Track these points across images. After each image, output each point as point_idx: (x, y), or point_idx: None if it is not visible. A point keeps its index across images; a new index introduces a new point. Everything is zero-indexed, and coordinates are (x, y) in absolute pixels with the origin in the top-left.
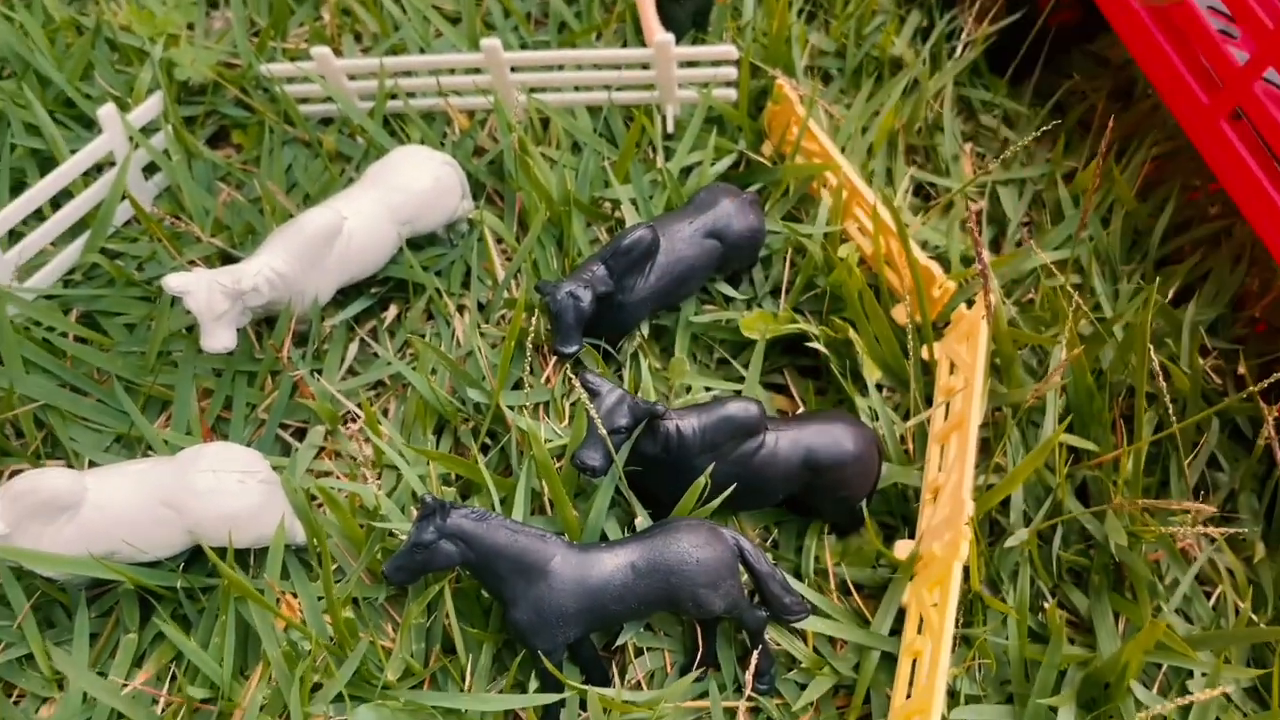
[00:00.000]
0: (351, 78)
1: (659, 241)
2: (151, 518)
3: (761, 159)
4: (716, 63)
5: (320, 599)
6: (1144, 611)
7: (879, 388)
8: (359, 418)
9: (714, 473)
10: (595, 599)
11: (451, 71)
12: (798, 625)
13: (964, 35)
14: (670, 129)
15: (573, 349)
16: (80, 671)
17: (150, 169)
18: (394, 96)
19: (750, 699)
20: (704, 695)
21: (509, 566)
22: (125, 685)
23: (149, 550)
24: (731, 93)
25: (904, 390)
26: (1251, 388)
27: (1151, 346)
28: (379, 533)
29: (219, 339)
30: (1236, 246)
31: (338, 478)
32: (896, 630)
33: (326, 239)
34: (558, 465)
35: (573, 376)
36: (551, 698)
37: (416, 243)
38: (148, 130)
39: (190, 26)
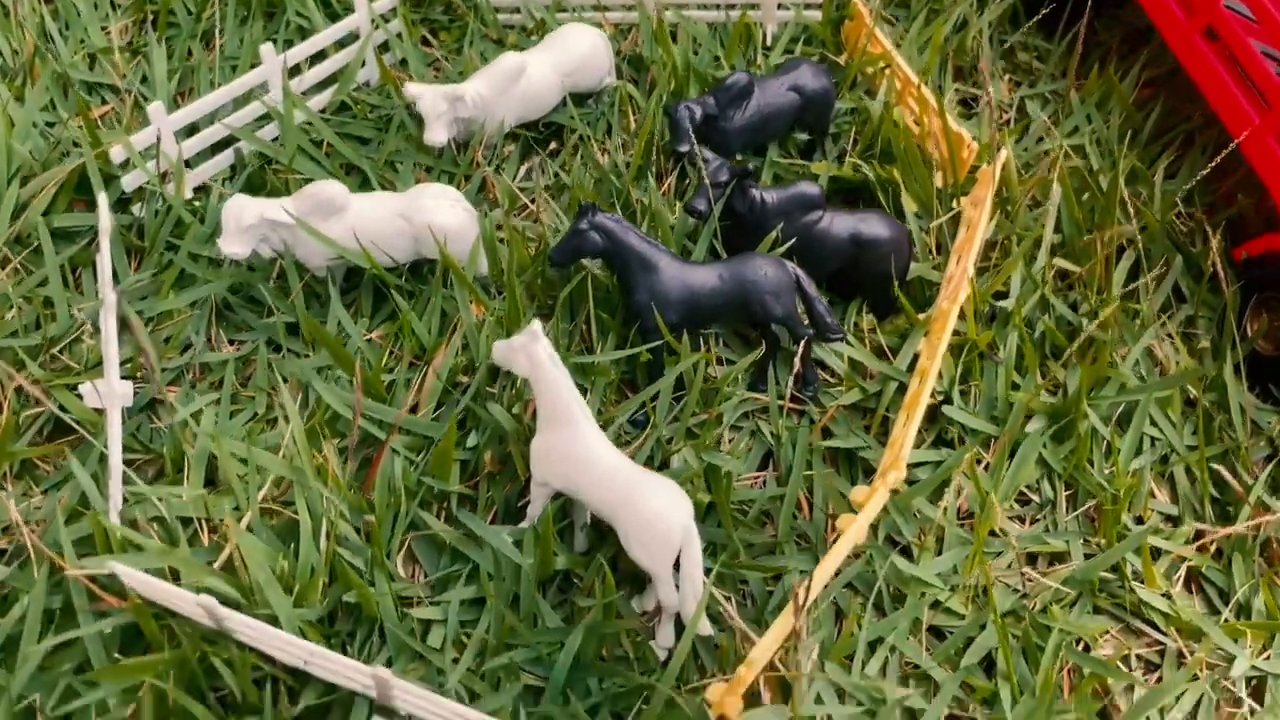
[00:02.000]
0: None
1: (753, 86)
2: (392, 227)
3: (838, 60)
4: None
5: (499, 293)
6: (1102, 365)
7: (916, 216)
8: (530, 205)
9: (782, 232)
10: (692, 294)
11: None
12: (834, 344)
13: None
14: (769, 42)
15: (685, 148)
16: (338, 318)
17: (384, 48)
18: (562, 9)
19: (795, 400)
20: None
21: (634, 258)
22: (367, 335)
23: (388, 251)
24: (817, 14)
25: (930, 221)
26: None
27: (1124, 189)
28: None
29: (437, 134)
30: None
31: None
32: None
33: (514, 75)
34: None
35: (687, 165)
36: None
37: (574, 99)
38: (386, 18)
39: None
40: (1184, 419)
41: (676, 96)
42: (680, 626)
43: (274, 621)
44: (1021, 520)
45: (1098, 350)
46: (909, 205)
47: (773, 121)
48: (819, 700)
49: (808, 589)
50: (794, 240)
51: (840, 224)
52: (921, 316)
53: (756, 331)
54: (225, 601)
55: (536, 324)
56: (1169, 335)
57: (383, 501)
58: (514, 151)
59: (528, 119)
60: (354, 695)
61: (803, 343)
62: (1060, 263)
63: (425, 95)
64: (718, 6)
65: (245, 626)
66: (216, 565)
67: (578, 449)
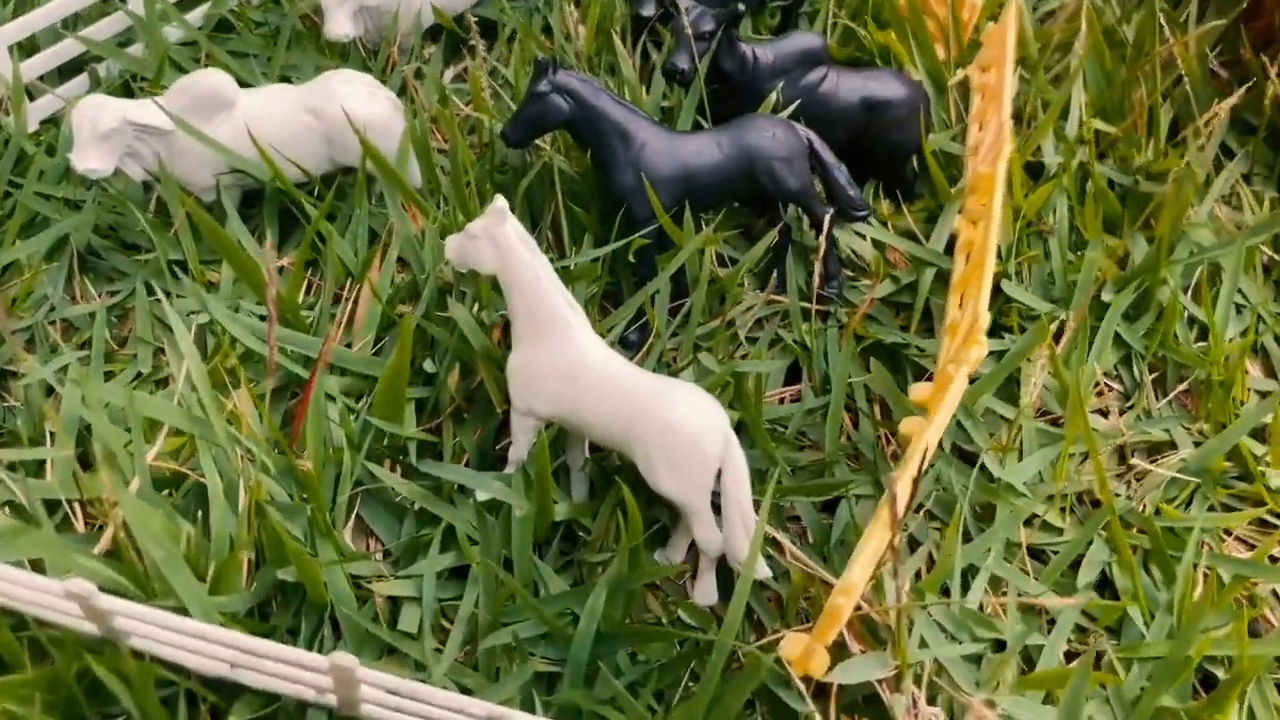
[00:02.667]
0: None
1: None
2: (297, 124)
3: None
4: None
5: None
6: (1177, 222)
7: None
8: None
9: (782, 96)
10: (686, 169)
11: None
12: (858, 225)
13: None
14: None
15: (649, 7)
16: (239, 245)
17: None
18: None
19: (820, 300)
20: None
21: (610, 127)
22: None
23: (294, 157)
24: None
25: (939, 87)
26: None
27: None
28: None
29: (340, 25)
30: None
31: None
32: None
33: None
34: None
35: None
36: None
37: None
38: None
39: None
40: (1265, 281)
41: None
42: (726, 576)
43: (183, 615)
44: (1103, 413)
45: (1165, 208)
46: (910, 69)
47: None
48: (922, 644)
49: (895, 498)
50: (795, 105)
51: (848, 84)
52: (954, 190)
53: (762, 219)
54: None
55: (501, 200)
56: (1228, 193)
57: (318, 456)
58: (436, 53)
59: (452, 9)
60: (304, 708)
61: (825, 224)
62: (1098, 125)
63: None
64: None
65: (141, 623)
66: (97, 550)
67: (571, 357)
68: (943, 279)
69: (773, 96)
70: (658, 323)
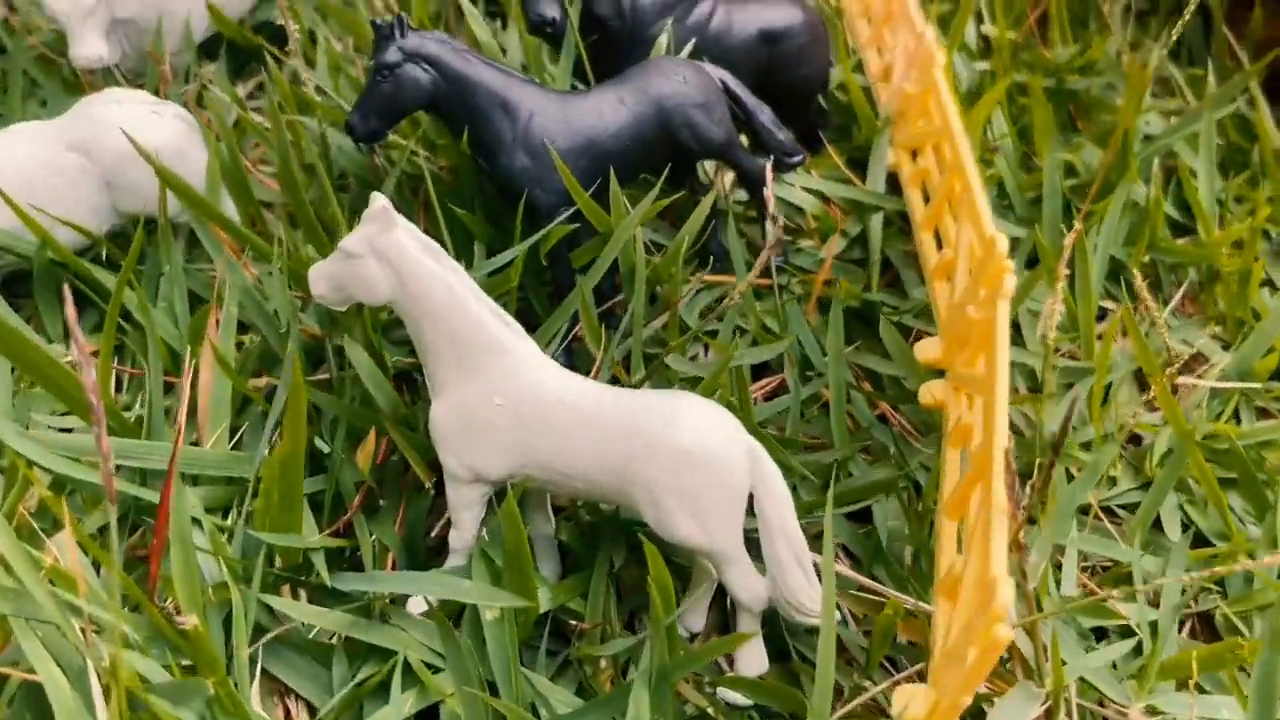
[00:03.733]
0: None
1: None
2: (60, 171)
3: None
4: None
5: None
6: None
7: None
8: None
9: (676, 41)
10: (589, 135)
11: None
12: (790, 168)
13: None
14: None
15: None
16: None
17: None
18: None
19: (765, 275)
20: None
21: (487, 98)
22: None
23: (65, 215)
24: None
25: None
26: None
27: None
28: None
29: (91, 45)
30: None
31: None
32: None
33: None
34: None
35: None
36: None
37: None
38: None
39: None
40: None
41: None
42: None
43: None
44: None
45: (1125, 101)
46: None
47: None
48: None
49: (1013, 476)
50: (689, 49)
51: (741, 16)
52: (880, 116)
53: (679, 190)
54: None
55: (381, 200)
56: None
57: (195, 602)
58: (218, 71)
59: (228, 14)
60: None
61: (766, 177)
62: (991, 31)
63: None
64: None
65: None
66: None
67: (521, 390)
68: (893, 223)
69: (661, 40)
70: (597, 334)
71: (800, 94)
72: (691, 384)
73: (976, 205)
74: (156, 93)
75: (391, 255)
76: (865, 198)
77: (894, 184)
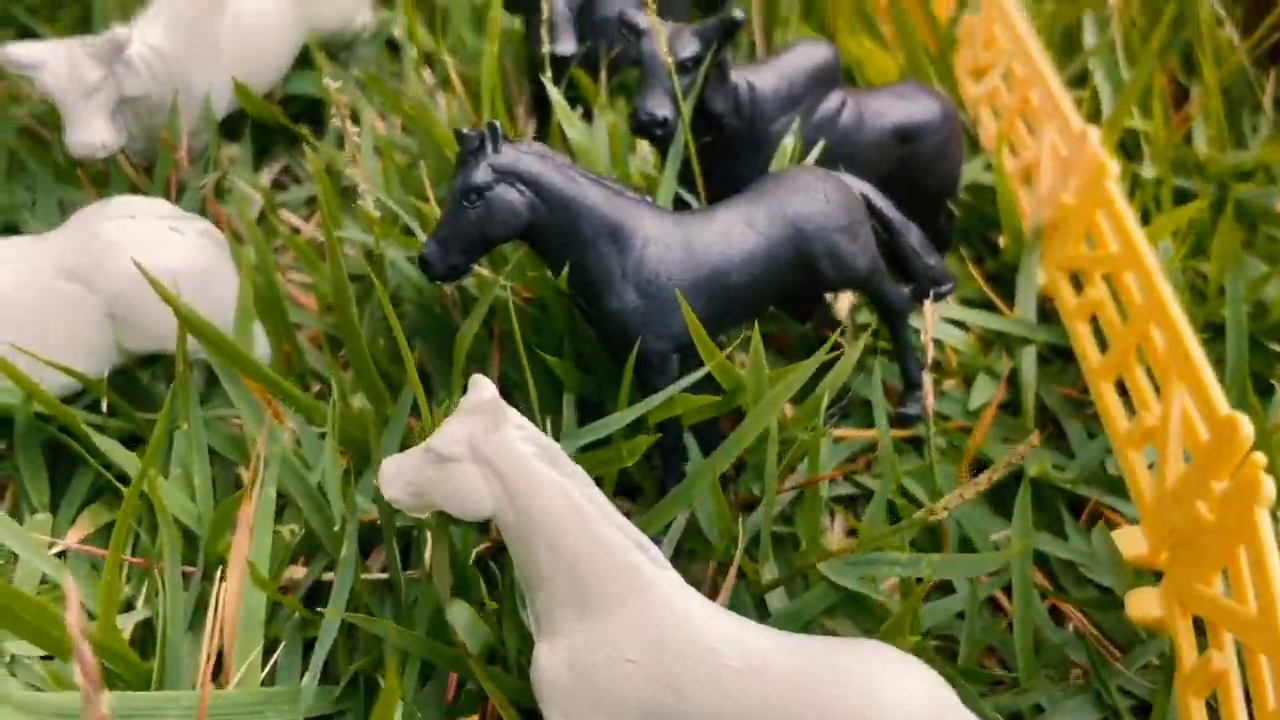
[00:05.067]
0: None
1: None
2: (49, 303)
3: None
4: None
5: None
6: None
7: None
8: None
9: (800, 137)
10: (713, 268)
11: None
12: (940, 297)
13: None
14: None
15: (570, 48)
16: None
17: None
18: None
19: (901, 421)
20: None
21: (595, 226)
22: (53, 544)
23: (57, 357)
24: None
25: None
26: None
27: None
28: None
29: (95, 130)
30: None
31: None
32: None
33: (211, 5)
34: None
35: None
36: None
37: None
38: None
39: None
40: None
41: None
42: None
43: None
44: None
45: None
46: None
47: None
48: None
49: None
50: (815, 148)
51: (873, 108)
52: (1028, 228)
53: (805, 322)
54: None
55: (484, 383)
56: None
57: None
58: (241, 154)
59: (254, 84)
60: None
61: (909, 308)
62: (1139, 124)
63: (52, 61)
64: None
65: None
66: None
67: (662, 635)
68: (1049, 360)
69: (788, 141)
70: (730, 526)
71: (933, 196)
72: (854, 604)
73: (1197, 369)
74: (169, 188)
75: (500, 462)
76: (1016, 329)
77: (1043, 307)
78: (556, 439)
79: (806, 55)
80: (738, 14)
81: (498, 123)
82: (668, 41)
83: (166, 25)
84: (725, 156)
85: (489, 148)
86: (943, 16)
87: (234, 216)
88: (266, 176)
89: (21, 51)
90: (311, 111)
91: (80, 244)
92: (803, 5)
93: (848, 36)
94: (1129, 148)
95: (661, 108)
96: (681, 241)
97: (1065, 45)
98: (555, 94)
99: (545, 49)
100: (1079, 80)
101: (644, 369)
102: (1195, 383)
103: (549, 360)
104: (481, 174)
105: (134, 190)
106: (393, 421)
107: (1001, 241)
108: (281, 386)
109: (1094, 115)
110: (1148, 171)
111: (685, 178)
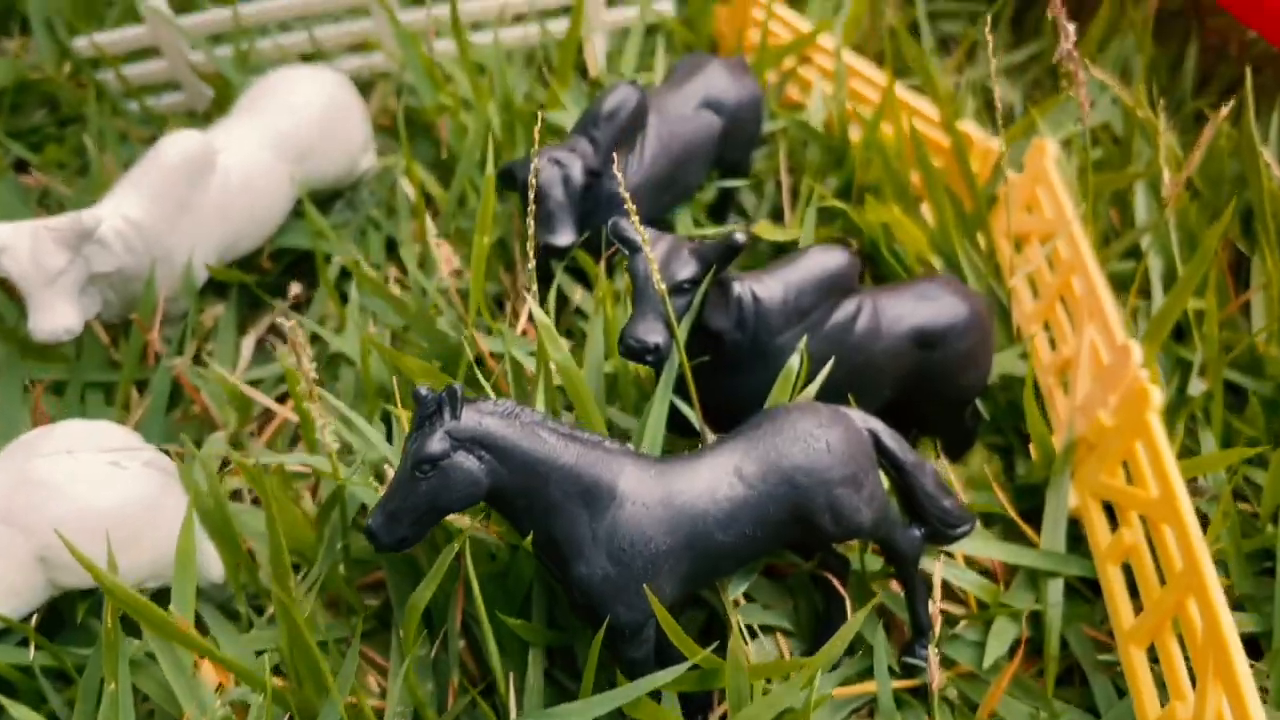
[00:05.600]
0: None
1: (647, 104)
2: None
3: None
4: None
5: (261, 653)
6: None
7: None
8: (272, 416)
9: (808, 352)
10: (695, 527)
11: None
12: (953, 540)
13: None
14: (601, 63)
15: (567, 239)
16: None
17: None
18: (249, 67)
19: (909, 670)
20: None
21: (564, 487)
22: None
23: None
24: (668, 3)
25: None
26: None
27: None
28: (335, 526)
29: (58, 315)
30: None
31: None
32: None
33: (194, 171)
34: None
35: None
36: (671, 676)
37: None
38: None
39: None
40: None
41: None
42: None
43: None
44: None
45: None
46: (932, 259)
47: (687, 165)
48: None
49: None
50: (828, 364)
51: (893, 312)
52: (1057, 444)
53: (809, 554)
54: None
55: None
56: None
57: None
58: (224, 316)
59: (240, 250)
60: None
61: (920, 551)
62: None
63: (15, 244)
64: (516, 19)
65: None
66: None
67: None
68: (1074, 590)
69: (794, 361)
70: None
71: (956, 403)
72: None
73: (1231, 659)
74: (142, 355)
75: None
76: (1042, 563)
77: (1073, 531)
78: (520, 707)
79: (818, 264)
80: (739, 236)
81: (458, 386)
82: (662, 261)
83: (144, 197)
84: (728, 372)
85: (446, 414)
86: (982, 174)
87: (207, 396)
88: (251, 340)
89: None
90: (304, 263)
91: (11, 485)
92: (824, 162)
93: (874, 202)
94: (1181, 325)
95: (652, 334)
96: (662, 498)
97: (1118, 203)
98: (541, 316)
99: (542, 236)
100: (1132, 252)
101: (615, 641)
102: (1230, 677)
103: (510, 623)
104: (437, 443)
105: (106, 361)
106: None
107: (1031, 451)
108: (210, 651)
109: (1145, 287)
110: (1196, 386)
111: (680, 388)
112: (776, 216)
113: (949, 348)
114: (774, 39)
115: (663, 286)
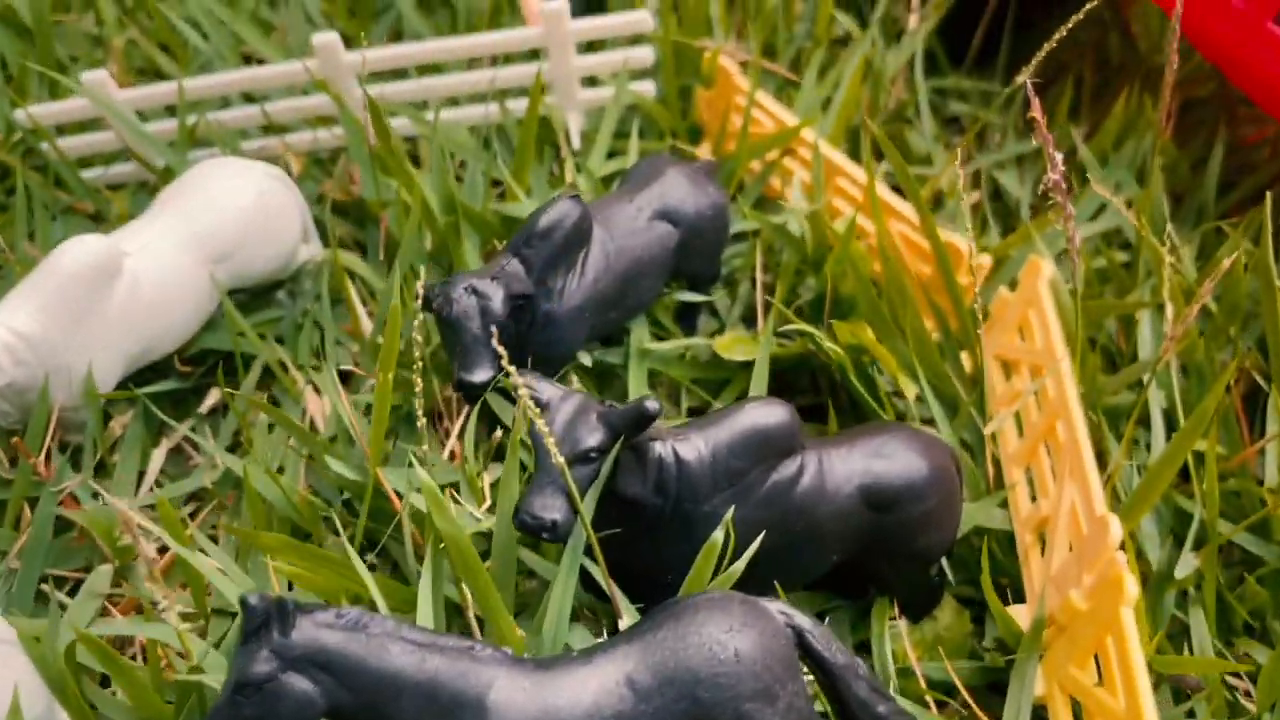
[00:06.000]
0: (143, 119)
1: (590, 219)
2: None
3: (699, 156)
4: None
5: None
6: None
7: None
8: (166, 547)
9: (736, 520)
10: None
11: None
12: None
13: (911, 20)
14: (576, 143)
15: (483, 376)
16: None
17: None
18: (200, 142)
19: None
20: None
21: (418, 705)
22: None
23: None
24: (649, 85)
25: (949, 408)
26: None
27: None
28: (192, 695)
29: None
30: None
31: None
32: None
33: (95, 280)
34: (483, 559)
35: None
36: None
37: (243, 302)
38: None
39: None
40: None
41: (439, 257)
42: None
43: None
44: None
45: None
46: (906, 386)
47: (637, 283)
48: None
49: None
50: (760, 533)
51: (840, 468)
52: (1022, 622)
53: None
54: None
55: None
56: None
57: None
58: (131, 427)
59: (154, 356)
60: None
61: None
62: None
63: None
64: (481, 98)
65: None
66: None
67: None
68: None
69: (717, 537)
70: None
71: (912, 567)
72: None
73: None
74: (35, 474)
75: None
76: None
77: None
78: None
79: (752, 422)
80: (651, 404)
81: (290, 600)
82: (565, 426)
83: (37, 308)
84: (647, 538)
85: (275, 630)
86: (972, 286)
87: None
88: (162, 451)
89: None
90: (225, 362)
91: None
92: (801, 266)
93: (842, 324)
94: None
95: (549, 510)
96: (538, 714)
97: (1125, 323)
98: (427, 480)
99: (457, 372)
100: (1135, 384)
101: None
102: None
103: None
104: (262, 664)
105: None
106: None
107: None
108: None
109: (1146, 416)
110: (1185, 565)
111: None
112: (750, 320)
113: (905, 510)
114: (758, 127)
115: (560, 458)
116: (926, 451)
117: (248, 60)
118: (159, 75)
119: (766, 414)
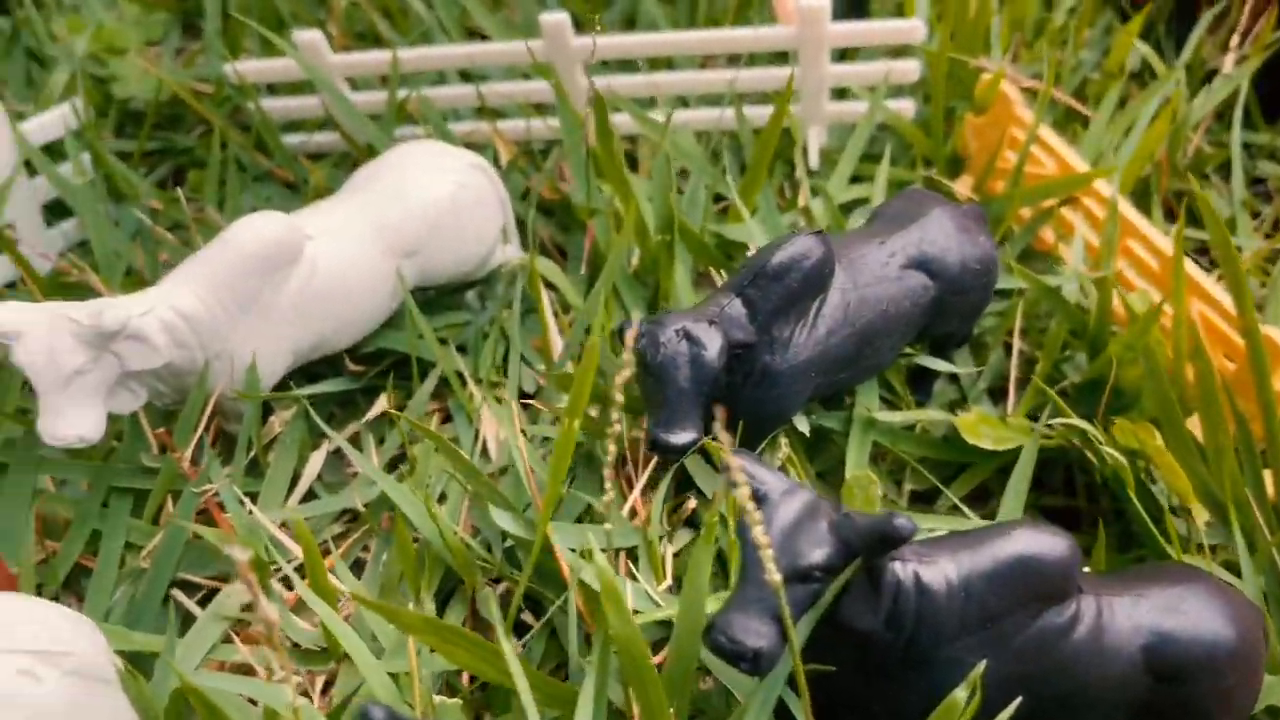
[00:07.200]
0: (354, 87)
1: (833, 264)
2: None
3: (958, 192)
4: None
5: None
6: None
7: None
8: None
9: (988, 675)
10: None
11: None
12: None
13: (1225, 62)
14: (814, 163)
15: (685, 438)
16: None
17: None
18: (409, 118)
19: None
20: None
21: None
22: None
23: None
24: (909, 105)
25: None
26: None
27: None
28: None
29: (69, 422)
30: None
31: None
32: None
33: (272, 263)
34: (658, 661)
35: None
36: None
37: (429, 301)
38: (53, 152)
39: (158, 43)
40: None
41: (644, 279)
42: None
43: None
44: None
45: None
46: (1198, 512)
47: (876, 343)
48: None
49: None
50: (1014, 692)
51: (1123, 622)
52: None
53: None
54: None
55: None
56: None
57: None
58: (287, 431)
59: (325, 348)
60: None
61: None
62: None
63: (31, 330)
64: (720, 100)
65: None
66: None
67: None
68: None
69: (959, 694)
70: None
71: None
72: None
73: None
74: (177, 479)
75: None
76: None
77: None
78: None
79: (1022, 550)
80: (903, 523)
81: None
82: (787, 531)
83: (205, 287)
84: (869, 676)
85: None
86: None
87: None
88: (323, 453)
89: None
90: (401, 367)
91: None
92: (1070, 342)
93: (1125, 424)
94: None
95: (752, 635)
96: None
97: None
98: (602, 564)
99: (654, 430)
100: None
101: None
102: None
103: None
104: None
105: (140, 466)
106: None
107: None
108: None
109: None
110: None
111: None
112: (995, 394)
113: (1197, 684)
114: (1035, 166)
115: (778, 574)
116: (1235, 614)
117: (470, 35)
118: (378, 42)
119: (1041, 545)
